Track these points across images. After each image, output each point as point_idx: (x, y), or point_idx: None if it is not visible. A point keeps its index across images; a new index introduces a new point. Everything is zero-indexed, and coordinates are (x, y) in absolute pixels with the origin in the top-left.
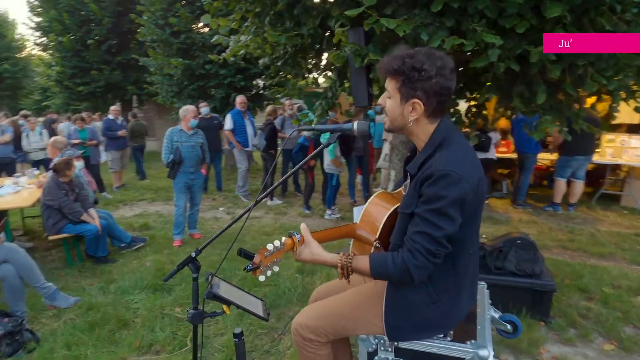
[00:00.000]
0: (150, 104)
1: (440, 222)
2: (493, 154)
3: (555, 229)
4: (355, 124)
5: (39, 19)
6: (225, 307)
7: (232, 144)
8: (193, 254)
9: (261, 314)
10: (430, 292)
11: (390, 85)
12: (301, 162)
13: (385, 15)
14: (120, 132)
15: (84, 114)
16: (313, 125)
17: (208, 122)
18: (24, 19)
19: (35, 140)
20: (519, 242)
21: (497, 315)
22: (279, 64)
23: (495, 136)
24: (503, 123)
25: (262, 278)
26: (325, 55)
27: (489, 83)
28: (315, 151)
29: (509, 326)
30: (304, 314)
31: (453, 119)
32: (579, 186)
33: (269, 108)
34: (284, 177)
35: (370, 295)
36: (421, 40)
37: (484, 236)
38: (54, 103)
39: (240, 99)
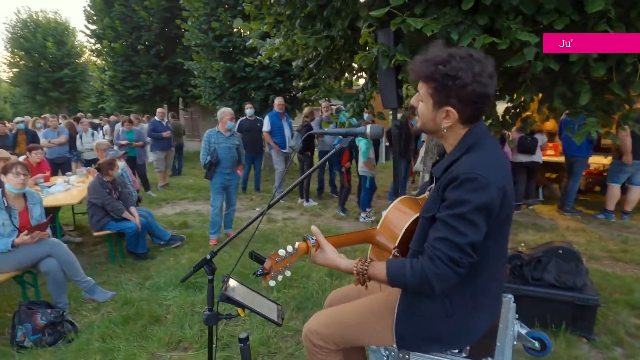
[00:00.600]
0: (196, 106)
1: (464, 228)
2: (539, 156)
3: (607, 239)
4: (368, 128)
5: (94, 27)
6: (239, 310)
7: (270, 145)
8: (208, 256)
9: (275, 318)
10: (446, 305)
11: (422, 89)
12: (313, 168)
13: (414, 15)
14: (165, 134)
15: (132, 116)
16: (326, 129)
17: (251, 123)
18: (81, 26)
19: (87, 140)
20: (560, 251)
21: (524, 331)
22: (311, 65)
23: (541, 138)
24: (550, 124)
25: (272, 283)
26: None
27: (526, 83)
28: (326, 157)
29: (536, 343)
30: (315, 319)
31: (489, 121)
32: (636, 193)
33: (306, 110)
34: (296, 181)
35: (382, 305)
36: (451, 40)
37: (522, 244)
38: (108, 105)
39: (278, 101)
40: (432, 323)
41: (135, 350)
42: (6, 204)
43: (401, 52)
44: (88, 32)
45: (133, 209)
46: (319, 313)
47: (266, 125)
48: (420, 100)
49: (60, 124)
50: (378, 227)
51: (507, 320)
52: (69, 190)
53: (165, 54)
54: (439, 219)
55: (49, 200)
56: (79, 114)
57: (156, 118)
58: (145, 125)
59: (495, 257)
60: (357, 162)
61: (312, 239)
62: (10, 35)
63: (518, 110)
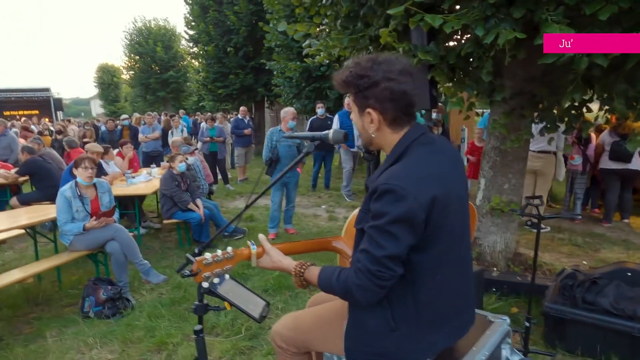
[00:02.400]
0: (279, 105)
1: (383, 240)
2: (636, 164)
3: None
4: (331, 132)
5: (192, 32)
6: (226, 303)
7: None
8: (196, 250)
9: (256, 315)
10: (389, 319)
11: (350, 99)
12: (287, 167)
13: (438, 11)
14: (246, 131)
15: (219, 114)
16: (295, 133)
17: (322, 122)
18: (181, 32)
19: (177, 136)
20: (629, 274)
21: (516, 358)
22: None
23: None
24: None
25: (205, 285)
26: None
27: (576, 81)
28: (297, 159)
29: None
30: (282, 321)
31: (543, 124)
32: None
33: None
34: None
35: (337, 314)
36: (476, 36)
37: (584, 262)
38: (207, 104)
39: (347, 100)
40: (378, 338)
41: (172, 330)
42: (79, 193)
43: (432, 50)
44: (187, 36)
45: (199, 201)
46: (287, 315)
47: (335, 124)
48: (353, 112)
49: (158, 120)
50: (342, 233)
51: (484, 343)
52: (150, 181)
53: (252, 55)
54: (365, 230)
55: (132, 190)
56: (180, 111)
57: (239, 116)
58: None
59: (436, 271)
60: None
61: (254, 246)
62: (128, 42)
63: (578, 111)
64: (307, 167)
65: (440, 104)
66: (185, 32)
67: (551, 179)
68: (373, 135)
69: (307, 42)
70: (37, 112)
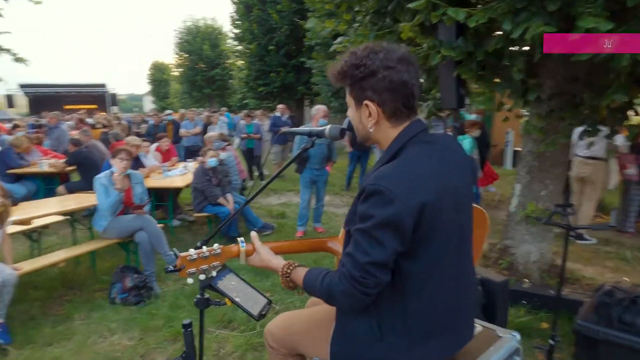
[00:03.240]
0: (318, 104)
1: (368, 246)
2: None
3: None
4: (328, 128)
5: (236, 31)
6: (226, 299)
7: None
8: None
9: (255, 312)
10: (374, 327)
11: (346, 92)
12: (285, 165)
13: (466, 4)
14: (283, 128)
15: (258, 112)
16: (294, 129)
17: None
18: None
19: (217, 132)
20: None
21: None
22: None
23: None
24: None
25: (190, 281)
26: None
27: (619, 80)
28: (293, 158)
29: None
30: (276, 320)
31: (584, 127)
32: None
33: None
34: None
35: (327, 317)
36: (504, 31)
37: (625, 278)
38: (250, 101)
39: None
40: (364, 345)
41: (195, 320)
42: (115, 184)
43: (460, 46)
44: (232, 35)
45: (229, 196)
46: (282, 314)
47: None
48: (350, 107)
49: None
50: (340, 233)
51: (487, 359)
52: (185, 174)
53: (294, 54)
54: (351, 233)
55: (167, 182)
56: (222, 109)
57: (277, 114)
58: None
59: (427, 280)
60: None
61: (244, 243)
62: (178, 40)
63: (622, 114)
64: (342, 166)
65: None
66: (230, 30)
67: (600, 187)
68: (371, 130)
69: (339, 39)
70: (94, 106)
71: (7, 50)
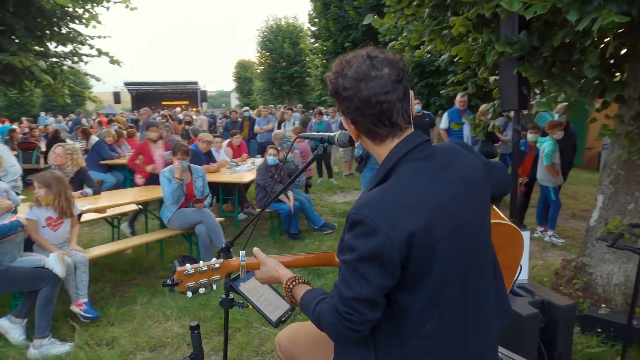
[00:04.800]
0: None
1: (353, 280)
2: None
3: None
4: (337, 134)
5: (314, 28)
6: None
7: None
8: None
9: (274, 318)
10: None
11: None
12: (292, 177)
13: None
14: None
15: (330, 109)
16: (309, 134)
17: (419, 119)
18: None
19: (288, 129)
20: None
21: None
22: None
23: None
24: None
25: (189, 294)
26: None
27: None
28: (307, 162)
29: None
30: (285, 330)
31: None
32: None
33: (482, 107)
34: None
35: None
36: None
37: None
38: (327, 98)
39: (460, 97)
40: None
41: (238, 316)
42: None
43: (521, 40)
44: (309, 33)
45: (290, 193)
46: (291, 324)
47: (444, 123)
48: None
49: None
50: None
51: None
52: (252, 170)
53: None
54: (340, 263)
55: (235, 177)
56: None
57: None
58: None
59: (426, 318)
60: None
61: (244, 259)
62: (260, 39)
63: None
64: None
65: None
66: (308, 28)
67: None
68: (358, 144)
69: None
70: (186, 102)
71: (106, 54)
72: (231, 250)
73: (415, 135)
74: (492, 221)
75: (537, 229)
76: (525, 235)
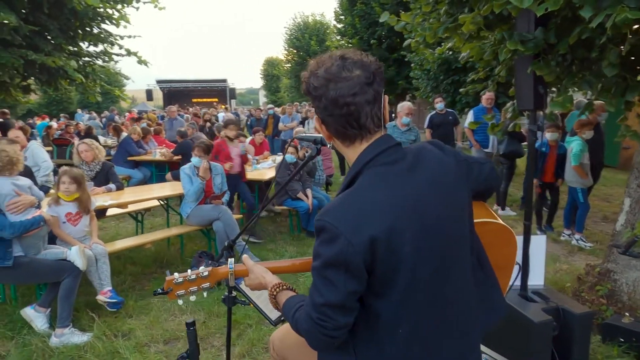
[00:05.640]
0: (420, 99)
1: (322, 286)
2: None
3: None
4: None
5: (340, 25)
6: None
7: (469, 142)
8: (225, 243)
9: (272, 317)
10: None
11: None
12: (290, 178)
13: None
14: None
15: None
16: (302, 135)
17: (442, 117)
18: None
19: (312, 126)
20: None
21: None
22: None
23: None
24: None
25: (180, 302)
26: None
27: None
28: (302, 164)
29: None
30: (279, 330)
31: None
32: None
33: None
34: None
35: None
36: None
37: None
38: None
39: (487, 95)
40: None
41: (251, 312)
42: (197, 173)
43: (536, 37)
44: (335, 30)
45: (308, 191)
46: (285, 324)
47: (468, 120)
48: None
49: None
50: None
51: None
52: (272, 167)
53: (398, 47)
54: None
55: (255, 174)
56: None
57: None
58: None
59: (399, 323)
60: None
61: (232, 266)
62: (287, 37)
63: None
64: None
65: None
66: (334, 26)
67: None
68: (330, 146)
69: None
70: (216, 99)
71: (134, 54)
72: (234, 248)
73: (383, 139)
74: (479, 220)
75: (564, 232)
76: (541, 239)
